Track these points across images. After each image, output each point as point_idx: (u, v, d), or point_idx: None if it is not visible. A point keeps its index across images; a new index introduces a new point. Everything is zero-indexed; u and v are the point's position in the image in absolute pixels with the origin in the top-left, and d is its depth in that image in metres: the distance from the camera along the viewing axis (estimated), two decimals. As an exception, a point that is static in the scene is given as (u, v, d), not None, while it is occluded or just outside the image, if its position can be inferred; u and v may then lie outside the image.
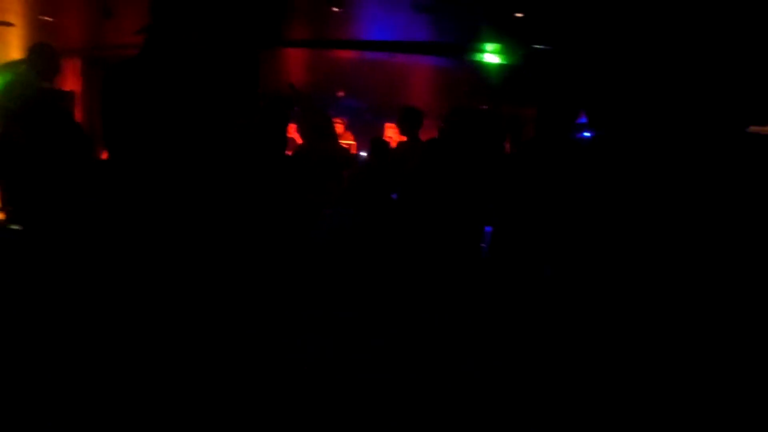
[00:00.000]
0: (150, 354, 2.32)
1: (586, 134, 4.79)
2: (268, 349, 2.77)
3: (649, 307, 3.55)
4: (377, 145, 5.28)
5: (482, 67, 7.78)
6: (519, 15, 6.03)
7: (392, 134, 7.18)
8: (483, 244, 4.48)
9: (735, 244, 3.47)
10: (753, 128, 3.88)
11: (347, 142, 7.52)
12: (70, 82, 9.30)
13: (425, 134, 5.13)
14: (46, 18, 7.24)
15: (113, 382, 2.46)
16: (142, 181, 2.27)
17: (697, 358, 3.31)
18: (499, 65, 7.67)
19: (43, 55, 4.06)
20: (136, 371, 2.36)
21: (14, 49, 7.77)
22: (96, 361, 2.64)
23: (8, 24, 7.55)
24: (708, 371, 3.26)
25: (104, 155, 4.22)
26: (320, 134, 4.94)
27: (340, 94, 9.29)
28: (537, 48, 6.94)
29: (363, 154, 7.47)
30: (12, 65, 4.58)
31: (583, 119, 4.50)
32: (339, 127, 7.85)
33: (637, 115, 4.07)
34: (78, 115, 8.70)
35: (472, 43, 7.47)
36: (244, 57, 4.09)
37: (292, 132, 5.65)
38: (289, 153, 4.85)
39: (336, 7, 6.37)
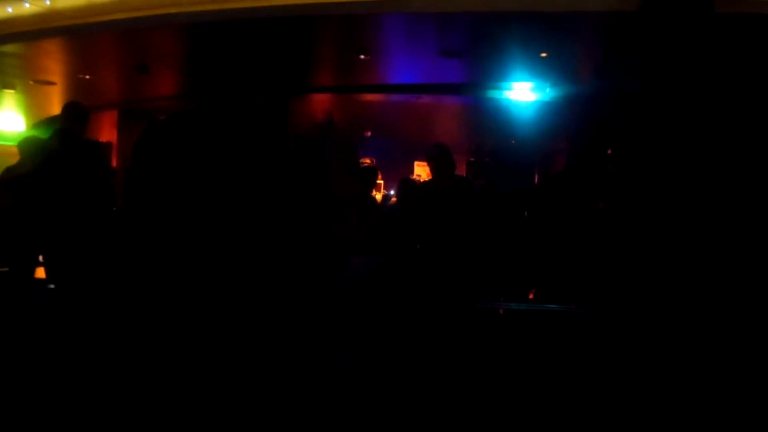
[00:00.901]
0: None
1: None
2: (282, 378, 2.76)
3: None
4: (405, 186, 5.08)
5: (509, 103, 7.84)
6: (544, 55, 6.08)
7: (421, 172, 7.22)
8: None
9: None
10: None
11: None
12: (107, 133, 9.66)
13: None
14: (86, 76, 7.56)
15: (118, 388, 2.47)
16: (170, 236, 2.31)
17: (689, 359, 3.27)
18: (525, 101, 7.72)
19: (75, 111, 4.27)
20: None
21: (55, 106, 8.11)
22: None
23: (50, 83, 7.90)
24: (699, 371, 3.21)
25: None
26: (351, 174, 4.96)
27: (368, 133, 9.42)
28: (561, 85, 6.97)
29: (391, 192, 7.53)
30: (50, 120, 4.79)
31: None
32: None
33: (660, 151, 4.06)
34: (114, 164, 9.01)
35: (498, 82, 7.54)
36: (274, 104, 4.20)
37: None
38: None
39: (363, 54, 6.49)
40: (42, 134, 4.55)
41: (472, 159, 8.78)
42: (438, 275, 3.63)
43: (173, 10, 5.36)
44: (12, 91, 8.22)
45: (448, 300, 3.66)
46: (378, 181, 7.62)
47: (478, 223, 4.16)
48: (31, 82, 7.88)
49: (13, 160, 4.43)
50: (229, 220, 2.27)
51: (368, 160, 8.08)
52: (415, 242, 3.07)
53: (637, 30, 4.55)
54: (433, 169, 4.48)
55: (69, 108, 4.31)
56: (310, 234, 2.95)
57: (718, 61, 3.81)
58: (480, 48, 6.03)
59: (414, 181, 5.68)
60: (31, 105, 9.17)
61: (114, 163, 9.02)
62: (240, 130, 2.37)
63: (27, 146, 4.32)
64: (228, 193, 2.28)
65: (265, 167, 2.68)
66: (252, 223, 2.36)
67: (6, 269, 4.26)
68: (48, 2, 5.66)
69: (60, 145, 4.15)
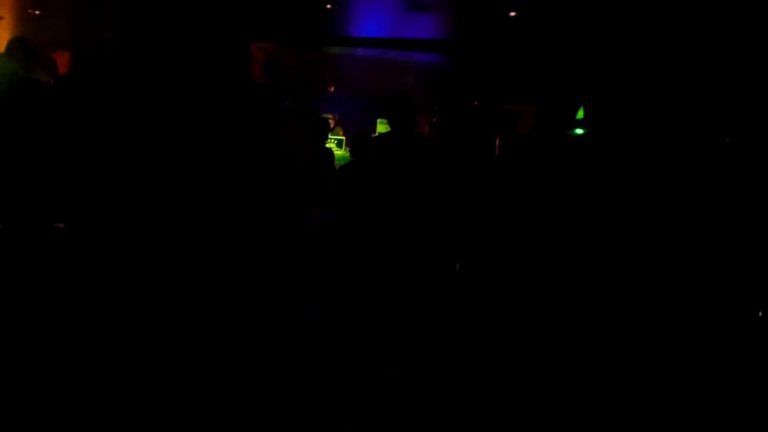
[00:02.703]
0: (141, 355, 2.30)
1: (580, 131, 4.80)
2: (249, 345, 2.75)
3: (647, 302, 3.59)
4: (358, 140, 4.91)
5: (477, 63, 7.77)
6: (513, 14, 6.00)
7: (383, 130, 7.15)
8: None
9: (722, 241, 3.49)
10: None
11: (338, 137, 7.50)
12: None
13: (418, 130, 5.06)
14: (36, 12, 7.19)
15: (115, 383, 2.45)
16: (126, 176, 2.23)
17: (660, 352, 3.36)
18: (494, 62, 7.66)
19: (22, 48, 4.03)
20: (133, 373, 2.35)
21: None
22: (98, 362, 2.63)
23: (-3, 17, 7.50)
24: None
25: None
26: (311, 133, 4.86)
27: (331, 88, 9.24)
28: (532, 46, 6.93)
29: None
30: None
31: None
32: (330, 122, 7.82)
33: (632, 113, 4.08)
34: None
35: (466, 40, 7.45)
36: (233, 51, 4.05)
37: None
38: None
39: (330, 4, 6.32)
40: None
41: (434, 119, 8.72)
42: (388, 231, 3.56)
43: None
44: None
45: (394, 255, 3.62)
46: (341, 137, 7.52)
47: (432, 181, 4.06)
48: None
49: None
50: (188, 167, 2.21)
51: (331, 116, 7.95)
52: (367, 198, 3.04)
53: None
54: (391, 121, 4.18)
55: (14, 44, 4.07)
56: (268, 186, 2.89)
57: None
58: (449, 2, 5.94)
59: (368, 134, 5.50)
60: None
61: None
62: (195, 73, 2.28)
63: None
64: (187, 140, 2.21)
65: (224, 118, 2.59)
66: (210, 173, 2.30)
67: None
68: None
69: (4, 84, 3.94)
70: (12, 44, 4.05)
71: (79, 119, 2.19)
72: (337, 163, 5.32)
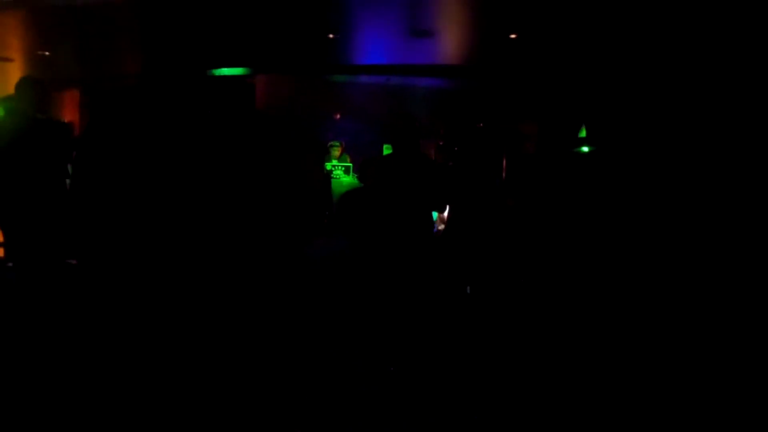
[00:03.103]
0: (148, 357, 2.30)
1: (585, 149, 4.82)
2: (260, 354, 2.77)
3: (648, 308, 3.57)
4: (365, 167, 4.87)
5: (481, 86, 7.83)
6: (513, 36, 6.06)
7: (391, 155, 7.17)
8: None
9: (724, 259, 3.50)
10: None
11: (345, 164, 7.54)
12: (69, 112, 9.39)
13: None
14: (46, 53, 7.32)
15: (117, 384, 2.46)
16: (133, 201, 2.25)
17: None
18: (498, 84, 7.71)
19: (33, 88, 4.09)
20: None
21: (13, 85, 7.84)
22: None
23: (8, 59, 7.63)
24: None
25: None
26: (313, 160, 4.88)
27: (337, 116, 9.33)
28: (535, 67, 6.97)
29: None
30: (6, 98, 4.61)
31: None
32: (338, 150, 7.87)
33: (634, 131, 4.09)
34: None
35: (470, 64, 7.52)
36: (238, 84, 4.10)
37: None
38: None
39: (332, 34, 6.40)
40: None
41: (441, 143, 8.78)
42: (390, 249, 3.53)
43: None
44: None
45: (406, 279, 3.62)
46: (348, 164, 7.56)
47: (433, 199, 4.06)
48: (-12, 59, 7.62)
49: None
50: (185, 198, 2.23)
51: (338, 144, 8.01)
52: (375, 223, 3.04)
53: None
54: (394, 142, 4.15)
55: (24, 84, 4.14)
56: (272, 214, 2.91)
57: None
58: (451, 28, 6.00)
59: (376, 160, 5.51)
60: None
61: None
62: (192, 111, 2.32)
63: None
64: (185, 172, 2.23)
65: (226, 148, 2.62)
66: (211, 202, 2.32)
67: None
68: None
69: (15, 125, 4.01)
70: (22, 84, 4.12)
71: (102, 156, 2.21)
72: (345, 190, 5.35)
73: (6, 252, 4.07)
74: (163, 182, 2.19)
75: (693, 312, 3.58)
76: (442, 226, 5.15)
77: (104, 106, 2.25)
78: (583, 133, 4.55)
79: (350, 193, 3.38)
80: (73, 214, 2.72)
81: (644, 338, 3.65)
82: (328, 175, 5.24)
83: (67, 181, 4.38)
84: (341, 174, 7.36)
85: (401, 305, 3.53)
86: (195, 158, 2.22)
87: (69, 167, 4.49)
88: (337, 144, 7.93)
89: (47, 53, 7.35)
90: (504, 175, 6.78)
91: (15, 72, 8.27)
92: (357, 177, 5.57)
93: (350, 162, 7.64)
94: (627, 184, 3.72)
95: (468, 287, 4.66)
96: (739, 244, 3.55)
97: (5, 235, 4.11)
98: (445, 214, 5.23)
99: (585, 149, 4.70)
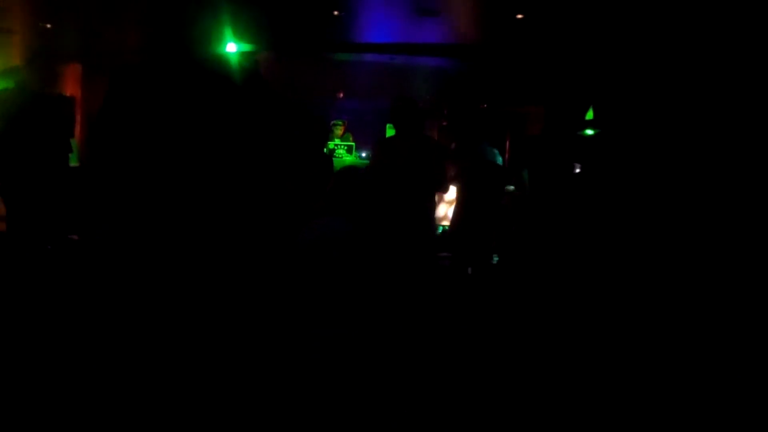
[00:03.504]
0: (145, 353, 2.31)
1: (590, 131, 4.79)
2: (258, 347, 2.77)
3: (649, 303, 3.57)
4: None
5: (486, 67, 7.76)
6: (520, 16, 6.00)
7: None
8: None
9: (731, 243, 3.48)
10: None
11: (347, 143, 7.51)
12: (71, 87, 9.32)
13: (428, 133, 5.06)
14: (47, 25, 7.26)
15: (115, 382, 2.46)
16: (140, 183, 2.25)
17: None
18: (503, 65, 7.65)
19: (38, 62, 4.07)
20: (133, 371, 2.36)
21: (15, 57, 7.78)
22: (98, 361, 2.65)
23: (8, 31, 7.56)
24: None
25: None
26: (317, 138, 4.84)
27: (340, 95, 9.29)
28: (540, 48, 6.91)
29: (363, 154, 7.48)
30: (9, 72, 4.58)
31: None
32: (340, 129, 7.84)
33: (641, 113, 4.06)
34: (78, 119, 8.72)
35: (474, 44, 7.45)
36: (245, 61, 4.07)
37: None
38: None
39: (337, 11, 6.34)
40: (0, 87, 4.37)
41: (444, 123, 8.75)
42: (390, 231, 3.54)
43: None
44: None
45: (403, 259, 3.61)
46: (350, 143, 7.54)
47: (434, 181, 4.07)
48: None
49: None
50: (196, 173, 2.22)
51: (341, 122, 7.98)
52: (374, 202, 3.02)
53: None
54: (395, 124, 4.15)
55: (28, 58, 4.12)
56: (270, 191, 2.90)
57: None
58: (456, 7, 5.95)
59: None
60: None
61: (78, 118, 8.74)
62: (205, 86, 2.30)
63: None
64: (197, 146, 2.22)
65: (232, 120, 2.60)
66: (221, 177, 2.31)
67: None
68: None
69: (20, 98, 3.99)
70: (27, 58, 4.11)
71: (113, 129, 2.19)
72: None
73: (9, 227, 4.08)
74: (183, 156, 2.18)
75: (697, 306, 3.57)
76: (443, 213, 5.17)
77: (121, 81, 2.24)
78: (590, 116, 4.52)
79: (345, 171, 3.38)
80: (94, 187, 2.70)
81: (649, 330, 3.64)
82: (330, 153, 5.22)
83: (70, 155, 4.39)
84: (344, 153, 7.34)
85: (402, 289, 3.53)
86: (213, 130, 2.22)
87: (71, 142, 4.50)
88: (340, 123, 7.90)
89: (48, 26, 7.28)
90: (507, 156, 6.76)
91: (16, 44, 8.20)
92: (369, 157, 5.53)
93: (353, 141, 7.62)
94: (634, 169, 3.69)
95: (469, 268, 4.67)
96: (752, 234, 3.52)
97: (8, 210, 4.11)
98: (446, 196, 5.22)
99: (590, 132, 4.68)
